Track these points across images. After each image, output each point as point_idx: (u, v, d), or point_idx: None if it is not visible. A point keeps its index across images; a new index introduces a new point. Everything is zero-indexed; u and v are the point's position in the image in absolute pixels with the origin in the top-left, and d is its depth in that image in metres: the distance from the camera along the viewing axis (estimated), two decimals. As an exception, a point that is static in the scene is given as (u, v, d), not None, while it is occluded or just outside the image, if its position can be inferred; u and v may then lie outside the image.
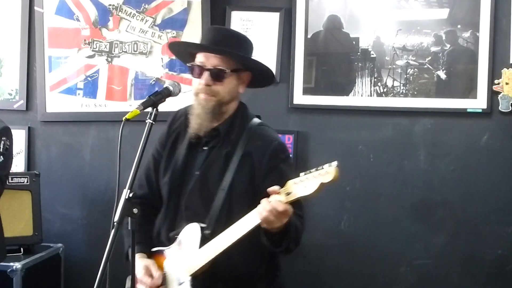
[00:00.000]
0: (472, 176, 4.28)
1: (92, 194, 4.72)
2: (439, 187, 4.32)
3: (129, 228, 2.40)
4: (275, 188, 2.56)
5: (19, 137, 4.71)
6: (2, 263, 3.99)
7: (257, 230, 2.66)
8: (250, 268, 2.90)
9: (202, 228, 2.82)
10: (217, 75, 2.85)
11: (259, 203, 2.61)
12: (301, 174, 2.50)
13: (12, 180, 4.30)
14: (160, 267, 2.93)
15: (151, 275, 2.87)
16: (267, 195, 2.60)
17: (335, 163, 2.42)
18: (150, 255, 2.99)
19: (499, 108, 4.19)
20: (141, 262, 2.91)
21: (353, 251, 4.43)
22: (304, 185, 2.47)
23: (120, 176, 2.51)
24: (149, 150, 2.71)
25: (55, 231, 4.74)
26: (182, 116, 3.09)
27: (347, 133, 4.42)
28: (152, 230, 3.07)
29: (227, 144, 2.92)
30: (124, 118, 2.50)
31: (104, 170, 4.69)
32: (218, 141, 2.94)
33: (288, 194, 2.52)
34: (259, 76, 3.03)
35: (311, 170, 2.46)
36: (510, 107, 4.16)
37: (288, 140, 4.43)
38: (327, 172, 2.41)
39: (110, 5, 4.68)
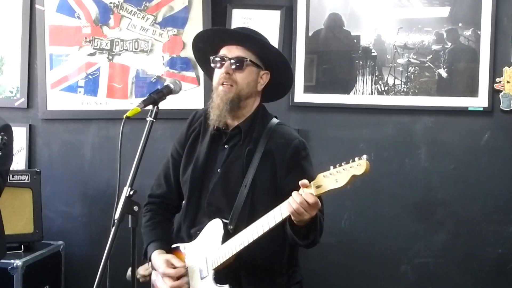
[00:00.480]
0: (473, 175, 4.28)
1: (93, 192, 4.72)
2: (440, 185, 4.32)
3: (129, 226, 2.40)
4: (305, 181, 2.62)
5: (20, 135, 4.71)
6: (2, 261, 4.00)
7: (280, 224, 2.73)
8: (271, 260, 2.97)
9: (225, 224, 2.89)
10: (238, 64, 2.95)
11: (281, 200, 2.69)
12: (331, 167, 2.55)
13: (13, 177, 4.31)
14: (182, 261, 3.00)
15: (173, 266, 2.94)
16: (290, 192, 2.66)
17: (365, 157, 2.50)
18: (169, 251, 3.06)
19: (500, 107, 4.19)
20: (161, 257, 3.00)
21: (353, 250, 4.43)
22: (335, 178, 2.53)
23: (121, 174, 2.51)
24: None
25: (55, 228, 4.74)
26: (202, 116, 3.17)
27: (348, 131, 4.42)
28: (170, 227, 3.17)
29: (249, 142, 2.99)
30: (124, 116, 2.50)
31: (104, 168, 4.69)
32: (239, 139, 3.01)
33: (318, 187, 2.58)
34: (277, 78, 3.09)
35: (341, 164, 2.53)
36: (511, 105, 4.16)
37: (289, 138, 4.42)
38: (359, 165, 2.49)
39: (111, 3, 4.68)
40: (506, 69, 4.16)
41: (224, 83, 2.96)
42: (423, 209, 4.34)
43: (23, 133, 4.78)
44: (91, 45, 4.72)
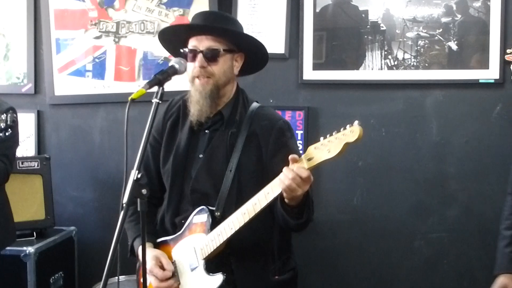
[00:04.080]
0: (485, 147, 4.23)
1: (103, 176, 4.71)
2: (452, 159, 4.27)
3: (139, 209, 2.37)
4: (295, 156, 2.56)
5: (28, 121, 4.71)
6: (15, 248, 4.02)
7: (270, 205, 2.66)
8: (262, 246, 2.90)
9: (211, 211, 2.81)
10: (211, 56, 2.86)
11: (268, 182, 2.61)
12: (321, 138, 2.48)
13: (22, 164, 4.31)
14: (169, 257, 2.92)
15: (162, 267, 2.87)
16: (277, 174, 2.58)
17: (357, 122, 2.41)
18: (156, 246, 2.98)
19: (512, 78, 4.14)
20: (150, 252, 2.90)
21: (366, 226, 4.41)
22: (327, 148, 2.45)
23: (129, 157, 2.48)
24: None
25: (67, 214, 4.74)
26: (179, 101, 3.09)
27: (358, 107, 4.37)
28: (154, 220, 3.06)
29: (231, 125, 2.92)
30: (129, 98, 2.48)
31: (114, 151, 4.67)
32: (221, 124, 2.94)
33: (309, 159, 2.50)
34: (252, 57, 3.00)
35: (332, 133, 2.45)
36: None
37: (299, 116, 4.39)
38: (352, 131, 2.40)
39: (115, -16, 4.65)
40: (517, 40, 4.11)
41: (200, 77, 2.87)
42: (435, 183, 4.31)
43: (32, 119, 4.76)
44: (97, 28, 4.68)
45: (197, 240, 2.82)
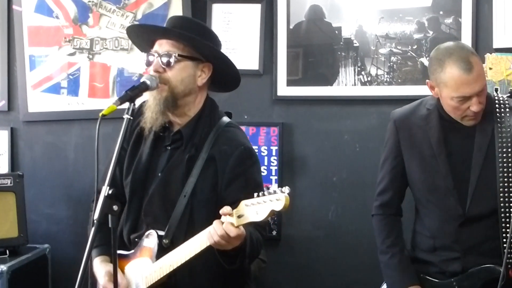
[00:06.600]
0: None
1: (77, 193, 4.67)
2: (426, 174, 4.29)
3: (110, 225, 2.35)
4: (228, 209, 2.47)
5: (1, 138, 4.68)
6: (-13, 266, 3.97)
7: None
8: (212, 276, 2.80)
9: (160, 237, 2.73)
10: (166, 60, 2.75)
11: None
12: (255, 195, 2.42)
13: (-5, 181, 4.27)
14: (122, 271, 2.84)
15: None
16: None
17: (286, 190, 2.34)
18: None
19: (484, 94, 4.17)
20: (103, 267, 2.84)
21: (341, 242, 4.41)
22: (256, 209, 2.39)
23: (100, 174, 2.47)
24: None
25: (41, 231, 4.70)
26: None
27: (332, 123, 4.40)
28: None
29: (191, 147, 2.80)
30: (100, 114, 2.47)
31: (88, 168, 4.63)
32: (181, 143, 2.83)
33: (239, 216, 2.44)
34: (221, 69, 2.88)
35: (264, 193, 2.38)
36: (495, 92, 4.13)
37: (273, 132, 4.40)
38: (279, 199, 2.33)
39: (89, 1, 4.62)
40: (488, 56, 4.14)
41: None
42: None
43: (5, 136, 4.72)
44: (71, 45, 4.66)
45: (144, 265, 2.76)
